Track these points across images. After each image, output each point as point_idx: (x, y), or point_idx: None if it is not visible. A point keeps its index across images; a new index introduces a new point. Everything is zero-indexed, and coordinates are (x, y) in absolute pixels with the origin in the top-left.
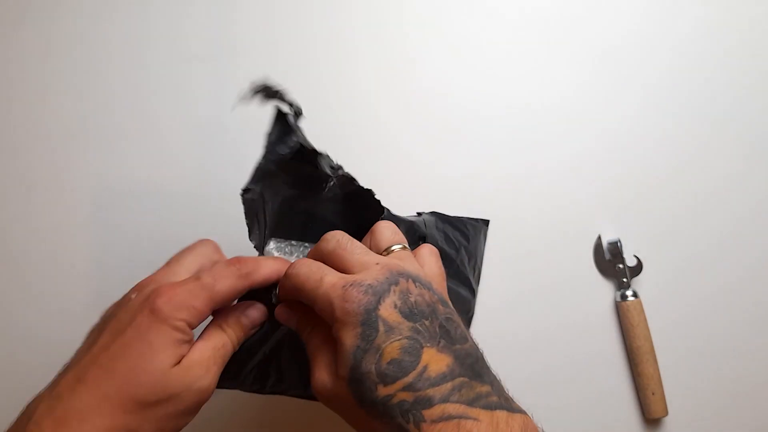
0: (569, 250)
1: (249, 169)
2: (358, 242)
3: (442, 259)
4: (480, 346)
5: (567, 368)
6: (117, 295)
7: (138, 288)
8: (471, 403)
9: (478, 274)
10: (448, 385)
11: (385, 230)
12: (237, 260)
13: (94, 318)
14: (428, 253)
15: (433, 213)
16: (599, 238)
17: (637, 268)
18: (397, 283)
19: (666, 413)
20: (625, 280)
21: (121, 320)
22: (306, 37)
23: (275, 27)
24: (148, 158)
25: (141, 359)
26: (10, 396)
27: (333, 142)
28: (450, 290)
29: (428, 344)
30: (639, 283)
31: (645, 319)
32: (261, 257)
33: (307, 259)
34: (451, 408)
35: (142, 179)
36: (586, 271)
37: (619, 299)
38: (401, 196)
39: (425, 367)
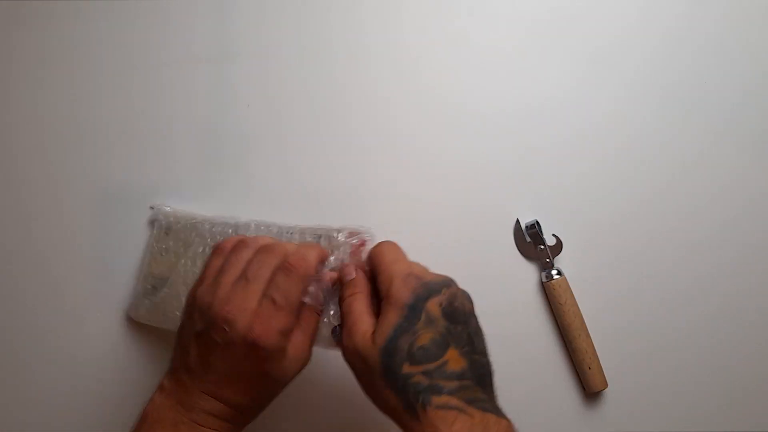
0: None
1: (248, 168)
2: None
3: None
4: None
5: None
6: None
7: (223, 319)
8: (470, 402)
9: None
10: (456, 383)
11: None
12: (289, 265)
13: (94, 318)
14: None
15: None
16: (517, 221)
17: (558, 247)
18: (449, 286)
19: (606, 385)
20: (548, 260)
21: (228, 354)
22: (305, 38)
23: (277, 28)
24: (149, 159)
25: (262, 379)
26: (11, 394)
27: (324, 145)
28: None
29: (454, 345)
30: (562, 261)
31: (572, 296)
32: (301, 246)
33: (393, 242)
34: (454, 401)
35: (145, 181)
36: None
37: (544, 279)
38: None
39: (445, 362)
